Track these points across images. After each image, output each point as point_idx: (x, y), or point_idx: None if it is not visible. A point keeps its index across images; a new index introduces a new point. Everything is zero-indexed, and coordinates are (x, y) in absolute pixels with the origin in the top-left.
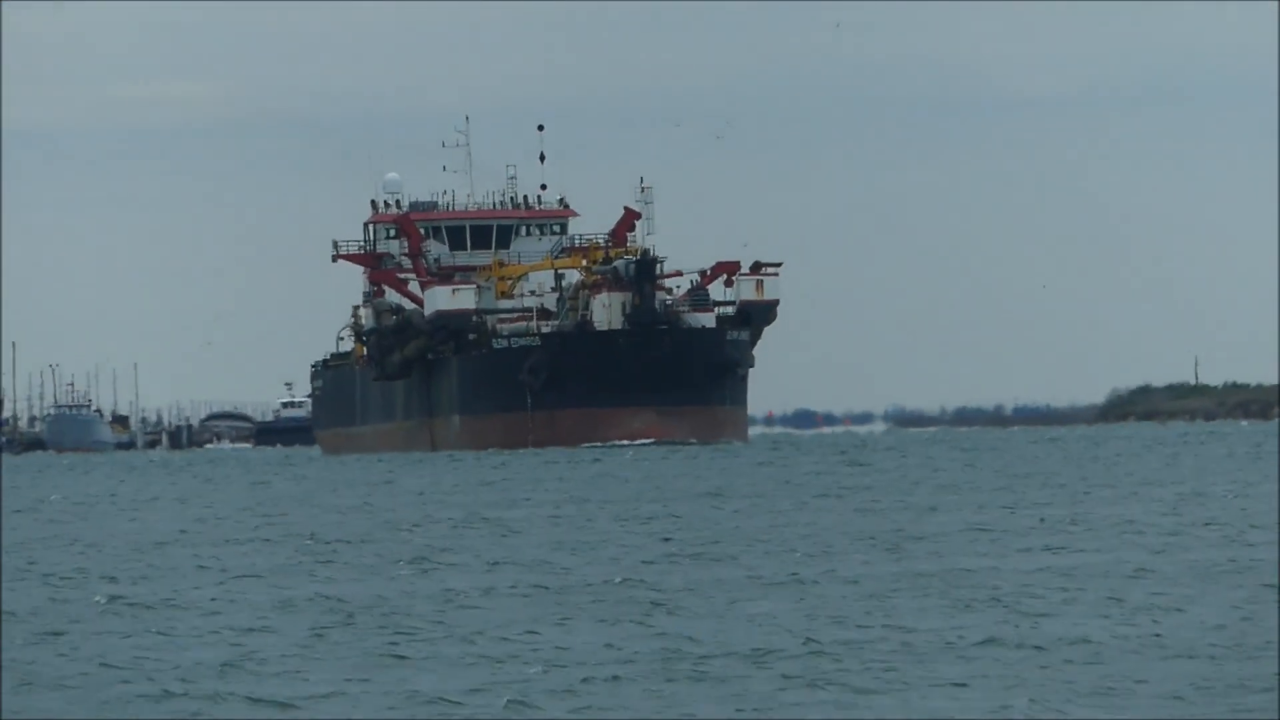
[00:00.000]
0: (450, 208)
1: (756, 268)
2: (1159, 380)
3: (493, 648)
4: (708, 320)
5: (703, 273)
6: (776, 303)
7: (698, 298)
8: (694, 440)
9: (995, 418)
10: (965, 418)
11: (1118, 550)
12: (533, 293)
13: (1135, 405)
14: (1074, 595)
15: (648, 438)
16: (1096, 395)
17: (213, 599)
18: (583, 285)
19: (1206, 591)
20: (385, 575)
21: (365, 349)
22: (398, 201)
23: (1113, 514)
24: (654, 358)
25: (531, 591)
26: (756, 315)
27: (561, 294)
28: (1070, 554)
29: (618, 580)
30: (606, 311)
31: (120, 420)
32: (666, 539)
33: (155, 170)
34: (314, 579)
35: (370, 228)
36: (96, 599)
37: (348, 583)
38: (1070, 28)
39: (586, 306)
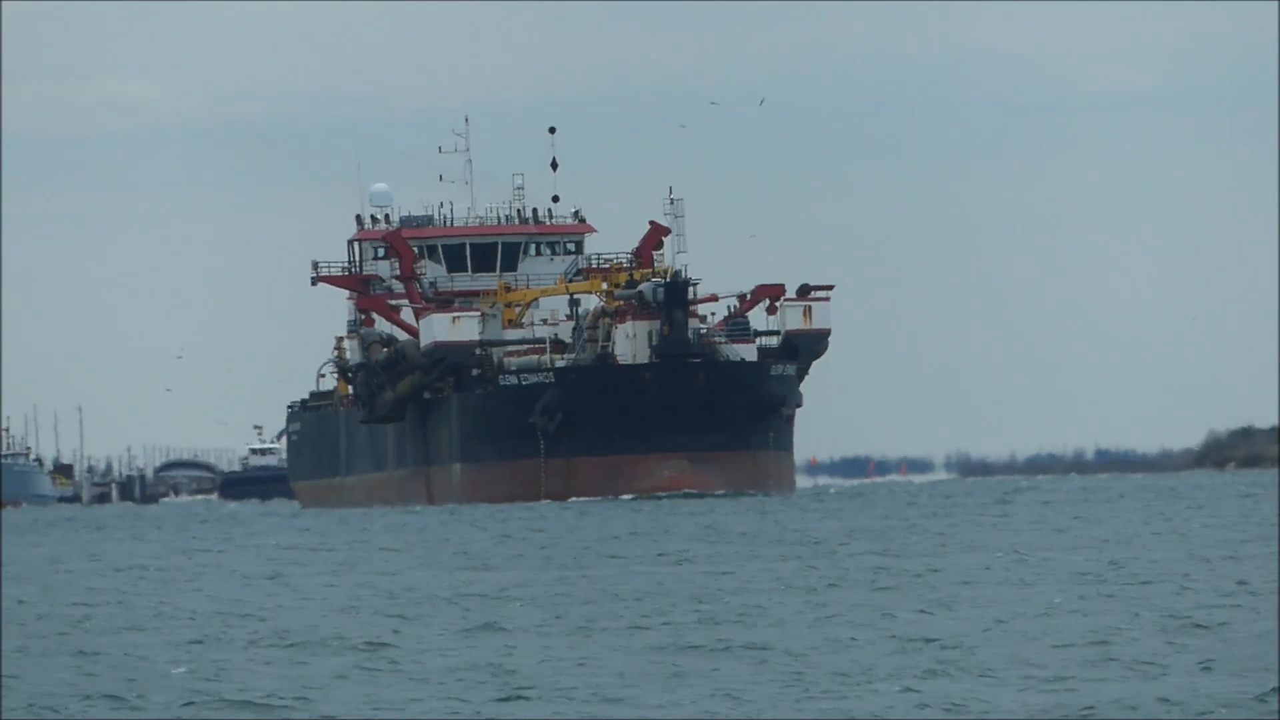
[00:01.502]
0: (448, 223)
1: (804, 292)
2: (1263, 421)
3: None
4: (748, 352)
5: (742, 297)
6: (827, 332)
7: (736, 326)
8: (732, 491)
9: (1074, 465)
10: (1039, 465)
11: None
12: (545, 321)
13: (1236, 450)
14: None
15: (679, 488)
16: (1191, 439)
17: None
18: (603, 313)
19: None
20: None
21: (351, 387)
22: (387, 216)
23: None
24: (686, 396)
25: None
26: (804, 347)
27: (578, 323)
28: None
29: None
30: (631, 343)
31: (63, 470)
32: None
33: (102, 181)
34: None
35: (356, 246)
36: None
37: None
38: (1162, 19)
39: (607, 337)
